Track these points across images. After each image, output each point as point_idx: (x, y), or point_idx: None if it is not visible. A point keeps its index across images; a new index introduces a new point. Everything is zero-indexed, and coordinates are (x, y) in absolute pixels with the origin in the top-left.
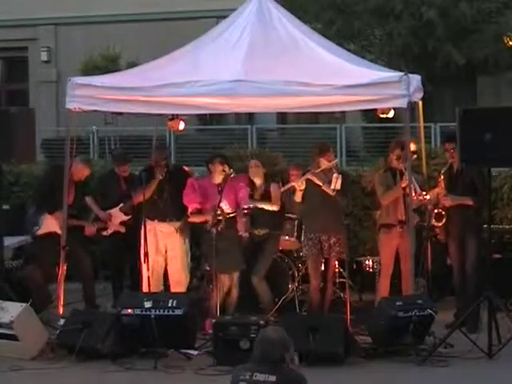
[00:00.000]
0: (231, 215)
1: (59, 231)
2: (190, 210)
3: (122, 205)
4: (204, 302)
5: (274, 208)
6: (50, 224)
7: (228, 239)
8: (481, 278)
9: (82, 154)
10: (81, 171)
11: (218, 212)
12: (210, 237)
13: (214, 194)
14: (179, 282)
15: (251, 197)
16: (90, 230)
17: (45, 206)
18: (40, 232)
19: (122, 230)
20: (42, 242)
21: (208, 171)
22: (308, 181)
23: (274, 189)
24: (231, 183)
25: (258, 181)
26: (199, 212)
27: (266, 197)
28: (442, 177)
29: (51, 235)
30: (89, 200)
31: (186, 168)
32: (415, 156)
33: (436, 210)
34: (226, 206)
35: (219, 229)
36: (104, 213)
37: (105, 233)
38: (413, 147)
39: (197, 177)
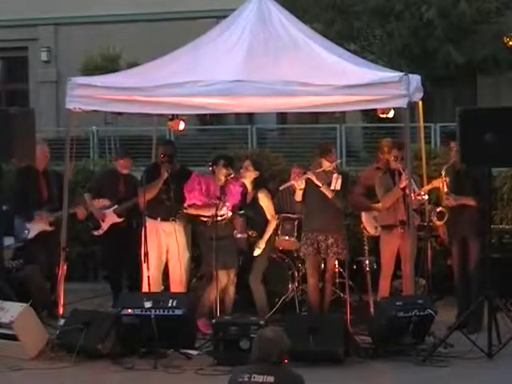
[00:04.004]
0: (230, 215)
1: (48, 228)
2: (187, 202)
3: (116, 206)
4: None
5: (273, 224)
6: (38, 226)
7: (225, 237)
8: (482, 278)
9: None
10: (42, 151)
11: (222, 210)
12: (208, 235)
13: (216, 194)
14: (179, 281)
15: (243, 202)
16: (80, 213)
17: (23, 214)
18: (31, 235)
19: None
20: (34, 245)
21: (212, 172)
22: (308, 180)
23: (263, 200)
24: (230, 184)
25: (247, 184)
26: (196, 205)
27: (255, 204)
28: (444, 174)
29: (41, 235)
30: (87, 197)
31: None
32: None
33: (438, 209)
34: (228, 205)
35: (223, 223)
36: (99, 211)
37: (96, 232)
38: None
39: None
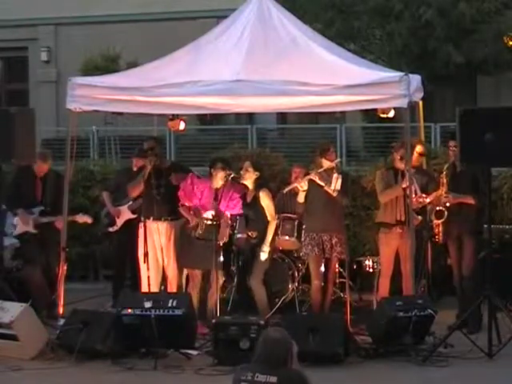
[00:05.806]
0: (214, 222)
1: (32, 230)
2: (181, 202)
3: (131, 203)
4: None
5: (274, 225)
6: (23, 224)
7: (206, 240)
8: (479, 278)
9: (44, 149)
10: (39, 167)
11: (207, 217)
12: (187, 234)
13: (210, 198)
14: (174, 282)
15: (242, 203)
16: (59, 223)
17: (10, 206)
18: (16, 233)
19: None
20: (25, 241)
21: (209, 174)
22: (310, 181)
23: (264, 199)
24: (228, 188)
25: (248, 185)
26: (188, 208)
27: (255, 204)
28: (444, 176)
29: (26, 234)
30: (105, 194)
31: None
32: (422, 158)
33: (437, 208)
34: (210, 213)
35: (197, 233)
36: (114, 208)
37: (110, 229)
38: (420, 149)
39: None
